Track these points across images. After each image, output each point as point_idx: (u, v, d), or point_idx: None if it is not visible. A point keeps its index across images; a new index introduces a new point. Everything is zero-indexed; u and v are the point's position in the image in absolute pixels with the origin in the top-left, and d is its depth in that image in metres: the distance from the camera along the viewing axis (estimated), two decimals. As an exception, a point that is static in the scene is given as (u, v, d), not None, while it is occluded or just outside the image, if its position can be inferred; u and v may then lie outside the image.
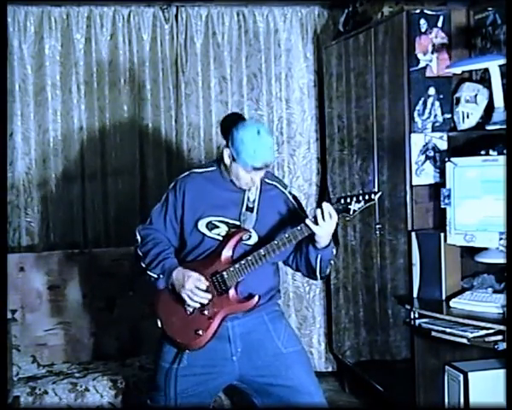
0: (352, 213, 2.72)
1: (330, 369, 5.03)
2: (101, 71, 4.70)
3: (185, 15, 4.80)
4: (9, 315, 4.00)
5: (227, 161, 2.81)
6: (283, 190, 2.96)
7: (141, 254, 2.88)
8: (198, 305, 2.78)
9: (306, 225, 2.69)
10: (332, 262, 2.91)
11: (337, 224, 2.75)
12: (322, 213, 2.67)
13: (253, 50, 4.90)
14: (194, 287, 2.76)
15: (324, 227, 2.68)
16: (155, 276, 2.82)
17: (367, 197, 2.71)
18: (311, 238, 2.75)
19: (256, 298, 2.79)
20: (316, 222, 2.67)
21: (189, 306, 2.80)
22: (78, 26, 4.66)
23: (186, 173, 2.95)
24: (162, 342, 2.91)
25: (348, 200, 2.71)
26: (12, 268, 4.05)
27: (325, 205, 2.68)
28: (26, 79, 4.62)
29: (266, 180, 2.92)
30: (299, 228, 2.72)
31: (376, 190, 2.74)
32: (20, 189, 4.62)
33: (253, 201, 2.86)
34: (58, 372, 3.95)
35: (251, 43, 4.90)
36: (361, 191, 2.73)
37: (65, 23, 4.65)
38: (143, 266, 2.86)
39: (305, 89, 4.97)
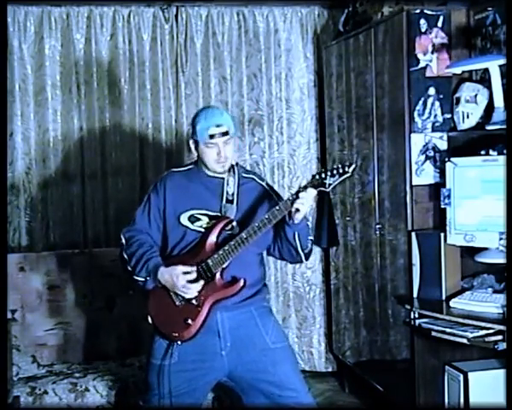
0: (327, 186, 2.75)
1: (330, 369, 5.02)
2: (101, 71, 4.70)
3: (185, 15, 4.80)
4: (9, 315, 4.00)
5: (194, 151, 2.93)
6: (260, 181, 3.04)
7: (126, 257, 2.93)
8: (196, 294, 2.82)
9: (291, 204, 2.74)
10: (311, 238, 2.96)
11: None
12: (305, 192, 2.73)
13: (253, 50, 4.90)
14: (185, 282, 2.81)
15: (305, 205, 2.74)
16: (142, 279, 2.88)
17: (341, 170, 2.74)
18: (285, 219, 2.80)
19: (241, 282, 2.82)
20: (297, 196, 2.73)
21: (177, 297, 2.85)
22: (78, 26, 4.66)
23: (165, 173, 3.06)
24: (153, 340, 2.95)
25: (323, 175, 2.75)
26: (12, 268, 4.05)
27: (305, 183, 2.77)
28: (26, 79, 4.62)
29: (243, 174, 3.01)
30: (277, 208, 2.77)
31: (349, 162, 2.76)
32: (20, 189, 4.62)
33: (232, 194, 2.93)
34: (58, 372, 3.95)
35: (251, 43, 4.90)
36: (335, 165, 2.77)
37: (65, 23, 4.65)
38: (129, 269, 2.90)
39: (305, 89, 4.97)
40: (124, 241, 2.97)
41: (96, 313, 4.22)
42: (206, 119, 2.86)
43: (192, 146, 2.93)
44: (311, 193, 2.74)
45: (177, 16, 4.79)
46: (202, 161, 2.92)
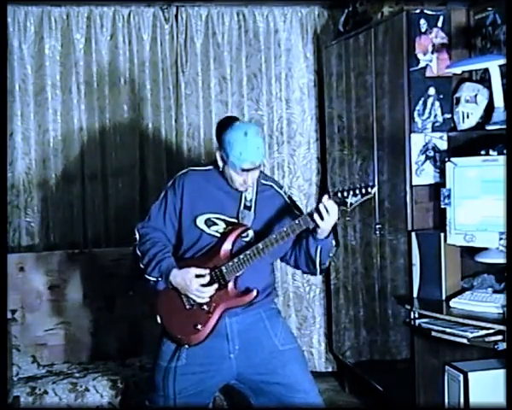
0: (349, 206, 2.75)
1: (330, 369, 5.02)
2: (101, 71, 4.70)
3: (185, 15, 4.80)
4: (9, 315, 4.00)
5: (220, 163, 2.86)
6: (279, 189, 3.01)
7: (139, 253, 2.90)
8: (208, 299, 2.80)
9: (310, 219, 2.72)
10: (331, 255, 2.93)
11: (336, 223, 2.78)
12: (326, 207, 2.69)
13: (253, 50, 4.90)
14: (198, 286, 2.79)
15: (328, 220, 2.71)
16: (154, 279, 2.85)
17: (363, 191, 2.73)
18: (310, 231, 2.78)
19: (254, 292, 2.81)
20: (320, 216, 2.70)
21: (188, 300, 2.83)
22: (78, 26, 4.66)
23: (184, 171, 2.99)
24: (161, 341, 2.93)
25: (345, 194, 2.74)
26: (12, 268, 4.05)
27: (326, 199, 2.72)
28: (26, 79, 4.62)
29: (262, 181, 2.97)
30: (297, 222, 2.75)
31: (372, 184, 2.77)
32: (20, 189, 4.62)
33: (250, 200, 2.90)
34: (58, 372, 3.95)
35: (251, 43, 4.89)
36: (358, 185, 2.76)
37: (65, 23, 4.65)
38: (142, 266, 2.88)
39: (305, 89, 4.97)
40: (138, 237, 2.93)
41: (96, 313, 4.22)
42: (242, 154, 2.75)
43: (218, 158, 2.85)
44: (335, 210, 2.70)
45: (177, 16, 4.79)
46: (224, 174, 2.87)
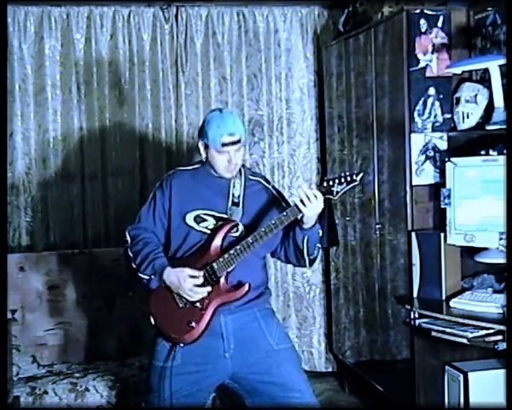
0: (335, 194, 2.76)
1: (330, 369, 5.02)
2: (101, 71, 4.70)
3: (185, 15, 4.80)
4: (9, 315, 4.00)
5: (203, 152, 2.92)
6: (266, 184, 3.03)
7: (131, 254, 2.91)
8: (200, 298, 2.81)
9: (296, 207, 2.74)
10: (319, 246, 2.94)
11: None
12: (307, 193, 2.72)
13: (253, 50, 4.90)
14: (192, 286, 2.80)
15: (311, 208, 2.73)
16: (147, 277, 2.86)
17: (349, 179, 2.75)
18: (297, 221, 2.80)
19: (246, 286, 2.81)
20: (303, 203, 2.72)
21: (180, 299, 2.84)
22: (78, 26, 4.66)
23: (172, 171, 3.05)
24: (155, 341, 2.94)
25: (331, 182, 2.76)
26: (12, 268, 4.05)
27: (307, 186, 2.75)
28: (26, 79, 4.62)
29: (250, 177, 3.00)
30: (285, 213, 2.77)
31: (358, 171, 2.78)
32: (20, 189, 4.62)
33: (238, 196, 2.92)
34: (58, 372, 3.95)
35: (251, 43, 4.90)
36: (343, 173, 2.77)
37: (65, 23, 4.65)
38: (134, 266, 2.90)
39: (305, 89, 4.97)
40: (129, 239, 2.95)
41: (95, 313, 4.22)
42: (219, 126, 2.82)
43: (201, 148, 2.91)
44: (320, 198, 2.73)
45: (177, 16, 4.79)
46: (211, 165, 2.91)
